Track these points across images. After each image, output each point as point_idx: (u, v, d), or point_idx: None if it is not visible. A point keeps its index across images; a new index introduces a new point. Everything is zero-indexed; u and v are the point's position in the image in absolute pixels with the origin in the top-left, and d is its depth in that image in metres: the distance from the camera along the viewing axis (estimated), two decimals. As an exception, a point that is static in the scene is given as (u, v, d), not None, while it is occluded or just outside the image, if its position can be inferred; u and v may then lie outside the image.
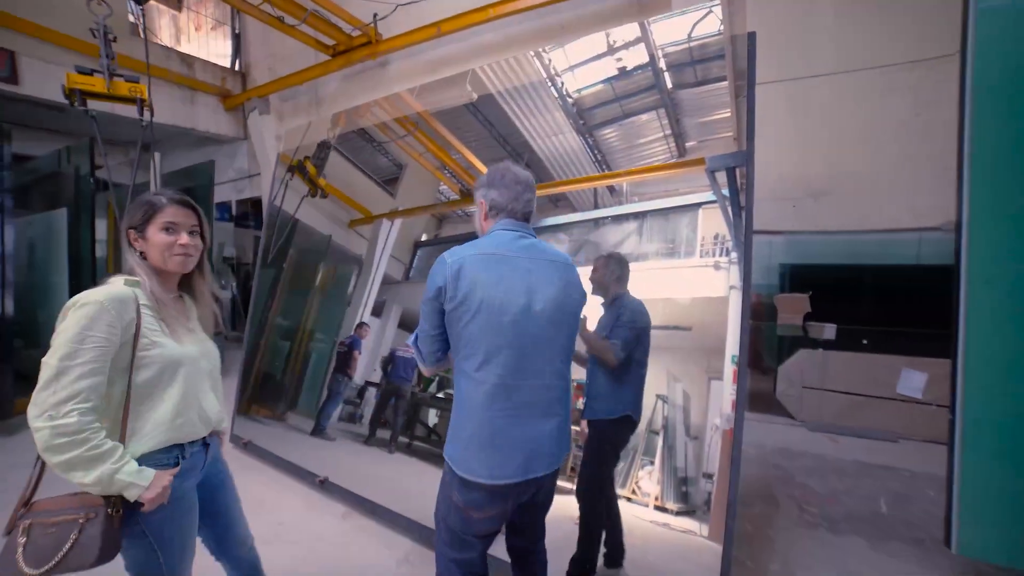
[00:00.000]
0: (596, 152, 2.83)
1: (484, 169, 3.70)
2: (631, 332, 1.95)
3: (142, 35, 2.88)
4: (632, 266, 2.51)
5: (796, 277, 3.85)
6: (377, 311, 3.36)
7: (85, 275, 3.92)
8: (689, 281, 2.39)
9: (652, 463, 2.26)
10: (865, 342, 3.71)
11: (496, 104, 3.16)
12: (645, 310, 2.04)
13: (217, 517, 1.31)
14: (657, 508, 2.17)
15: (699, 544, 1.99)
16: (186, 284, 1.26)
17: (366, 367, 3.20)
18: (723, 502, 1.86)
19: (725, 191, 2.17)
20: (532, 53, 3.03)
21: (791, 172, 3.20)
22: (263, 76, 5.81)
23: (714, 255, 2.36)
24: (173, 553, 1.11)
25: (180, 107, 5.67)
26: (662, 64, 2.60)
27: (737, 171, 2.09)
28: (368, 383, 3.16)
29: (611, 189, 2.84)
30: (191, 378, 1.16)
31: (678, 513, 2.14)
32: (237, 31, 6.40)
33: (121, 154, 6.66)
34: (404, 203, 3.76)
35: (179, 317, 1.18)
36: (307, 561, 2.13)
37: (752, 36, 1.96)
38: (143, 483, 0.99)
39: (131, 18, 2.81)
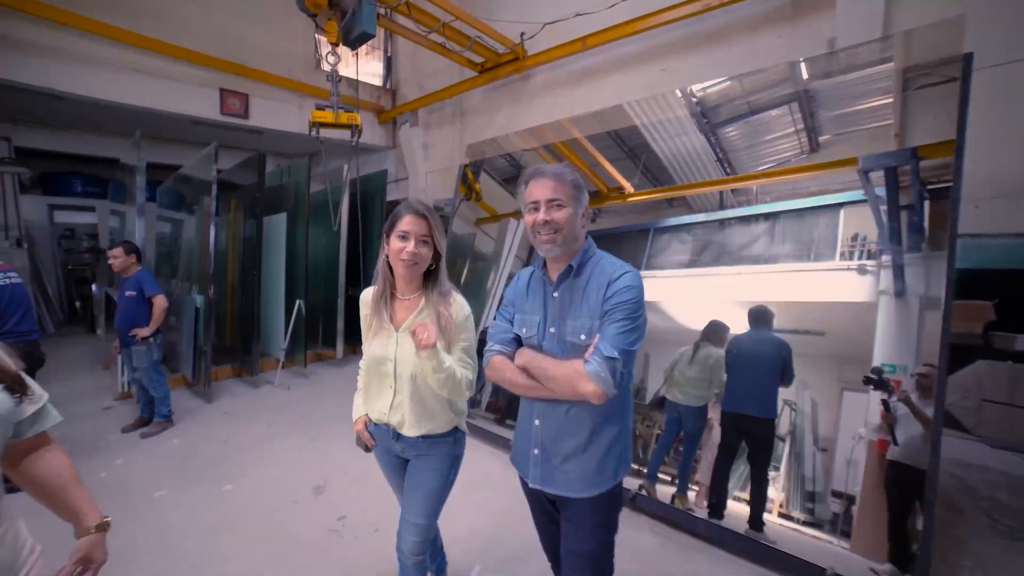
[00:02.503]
0: (718, 151, 2.89)
1: (613, 169, 3.99)
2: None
3: (328, 69, 3.83)
4: (762, 268, 2.57)
5: (971, 283, 3.40)
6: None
7: (298, 267, 5.15)
8: (825, 285, 2.32)
9: (777, 468, 2.26)
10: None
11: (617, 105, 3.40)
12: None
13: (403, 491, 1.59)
14: (781, 515, 2.18)
15: (842, 555, 1.96)
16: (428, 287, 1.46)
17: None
18: (870, 513, 1.91)
19: (878, 190, 2.12)
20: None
21: (979, 171, 2.87)
22: (412, 92, 6.81)
23: (853, 258, 2.33)
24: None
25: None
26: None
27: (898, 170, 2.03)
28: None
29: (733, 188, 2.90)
30: (369, 374, 1.51)
31: (805, 523, 2.12)
32: (389, 54, 7.59)
33: (286, 161, 8.31)
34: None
35: (382, 319, 1.44)
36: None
37: (969, 57, 1.94)
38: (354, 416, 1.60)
39: (327, 62, 3.73)
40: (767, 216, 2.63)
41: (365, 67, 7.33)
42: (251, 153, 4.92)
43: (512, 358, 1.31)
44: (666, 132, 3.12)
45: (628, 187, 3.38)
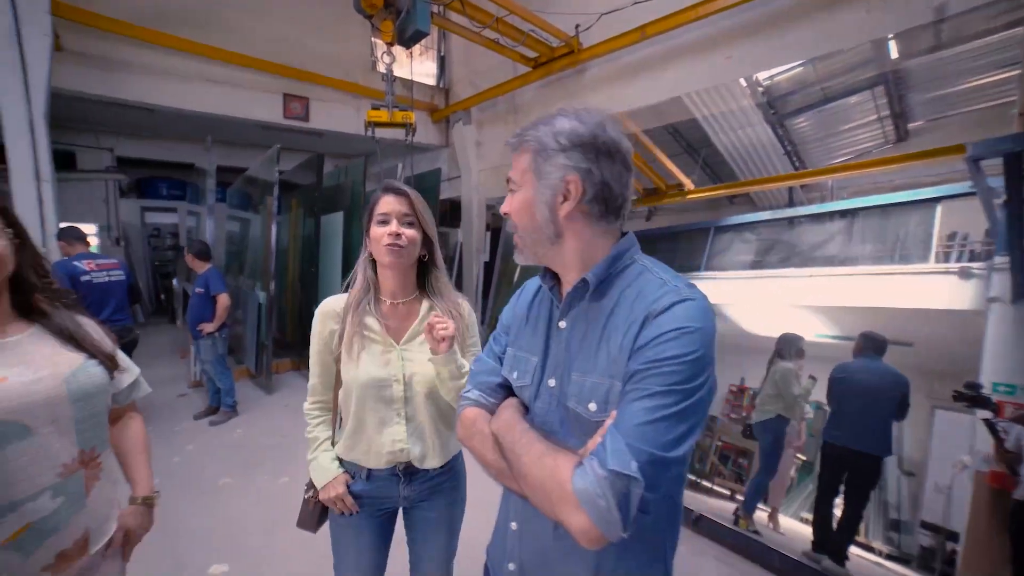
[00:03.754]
0: (786, 143, 2.67)
1: (673, 167, 3.80)
2: None
3: (384, 72, 3.99)
4: (837, 270, 2.36)
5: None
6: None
7: (354, 264, 5.37)
8: (914, 290, 2.09)
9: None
10: None
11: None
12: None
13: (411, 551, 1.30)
14: (859, 544, 1.98)
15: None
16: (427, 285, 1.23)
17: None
18: (979, 554, 1.68)
19: (991, 181, 1.85)
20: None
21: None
22: (465, 91, 6.91)
23: (951, 259, 2.08)
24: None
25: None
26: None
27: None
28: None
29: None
30: (361, 407, 1.15)
31: (888, 556, 1.91)
32: (442, 53, 7.74)
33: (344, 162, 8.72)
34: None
35: (371, 332, 1.15)
36: None
37: None
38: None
39: (382, 62, 3.86)
40: (843, 213, 2.42)
41: (419, 67, 7.52)
42: (311, 154, 5.19)
43: (492, 413, 0.84)
44: (728, 124, 2.96)
45: (688, 183, 3.23)
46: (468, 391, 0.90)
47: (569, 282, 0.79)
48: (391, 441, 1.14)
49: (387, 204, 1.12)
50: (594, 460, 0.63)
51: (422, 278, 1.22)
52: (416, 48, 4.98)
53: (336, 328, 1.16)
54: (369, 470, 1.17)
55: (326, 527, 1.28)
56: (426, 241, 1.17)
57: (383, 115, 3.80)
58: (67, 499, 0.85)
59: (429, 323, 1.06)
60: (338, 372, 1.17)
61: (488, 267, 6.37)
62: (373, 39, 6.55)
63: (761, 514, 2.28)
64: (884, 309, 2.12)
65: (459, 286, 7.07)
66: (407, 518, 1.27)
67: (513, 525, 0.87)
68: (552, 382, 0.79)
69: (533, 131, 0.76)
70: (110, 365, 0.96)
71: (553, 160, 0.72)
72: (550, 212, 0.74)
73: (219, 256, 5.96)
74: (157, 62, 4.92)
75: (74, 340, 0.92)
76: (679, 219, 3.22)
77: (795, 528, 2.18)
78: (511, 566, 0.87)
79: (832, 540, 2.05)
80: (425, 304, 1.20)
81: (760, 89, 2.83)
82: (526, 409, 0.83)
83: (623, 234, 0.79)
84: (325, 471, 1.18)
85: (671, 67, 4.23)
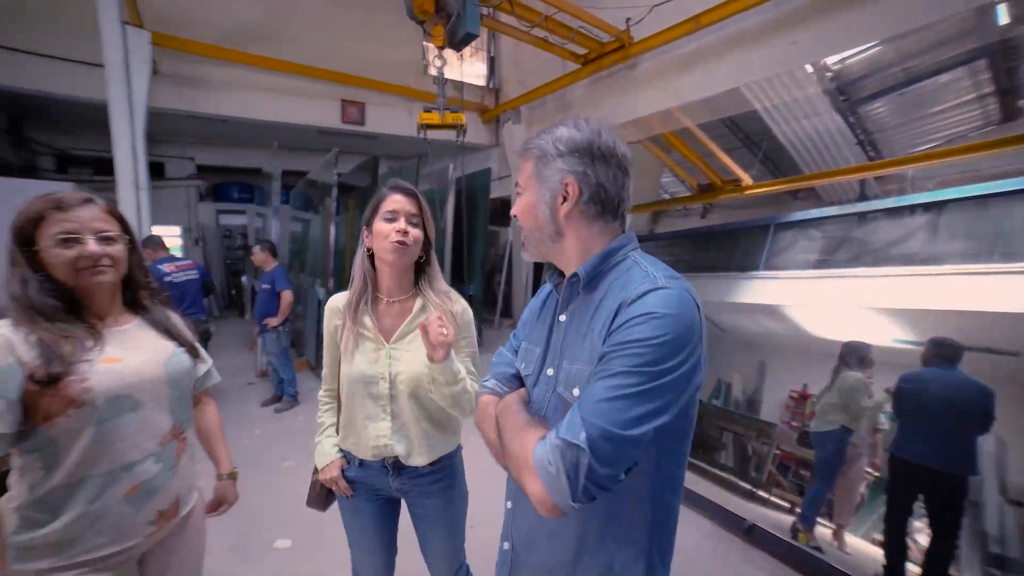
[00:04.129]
0: (858, 132, 2.45)
1: (730, 161, 3.61)
2: None
3: (436, 75, 4.12)
4: (919, 270, 2.16)
5: None
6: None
7: None
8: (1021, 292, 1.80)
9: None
10: None
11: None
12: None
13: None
14: None
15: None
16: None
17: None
18: None
19: None
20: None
21: None
22: (514, 90, 6.95)
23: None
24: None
25: (455, 125, 7.38)
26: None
27: None
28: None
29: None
30: (351, 399, 1.21)
31: None
32: (492, 54, 7.83)
33: (398, 163, 9.03)
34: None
35: (363, 328, 1.19)
36: None
37: None
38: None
39: (435, 64, 3.97)
40: (927, 207, 2.17)
41: (469, 68, 7.65)
42: (367, 157, 5.44)
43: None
44: (791, 115, 2.77)
45: (746, 178, 3.08)
46: (486, 380, 0.97)
47: (568, 275, 0.83)
48: (375, 436, 1.19)
49: (396, 202, 1.16)
50: (553, 432, 0.68)
51: (418, 277, 1.25)
52: (466, 50, 5.08)
53: (340, 323, 1.22)
54: (360, 460, 1.23)
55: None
56: (425, 243, 1.21)
57: (435, 117, 3.91)
58: (164, 465, 1.00)
59: (424, 323, 1.04)
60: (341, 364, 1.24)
61: (538, 266, 6.38)
62: (425, 43, 6.75)
63: (825, 530, 2.14)
64: (980, 313, 1.88)
65: (508, 284, 7.13)
66: (408, 508, 1.31)
67: (508, 504, 0.93)
68: (550, 371, 0.84)
69: (536, 140, 0.82)
70: (193, 354, 1.12)
71: (552, 165, 0.78)
72: (551, 212, 0.80)
73: (283, 255, 6.37)
74: (231, 77, 5.36)
75: (167, 331, 1.08)
76: (736, 216, 3.06)
77: (865, 549, 2.02)
78: (506, 545, 0.93)
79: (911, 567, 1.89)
80: (418, 302, 1.22)
81: (829, 75, 2.63)
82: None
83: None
84: (325, 455, 1.26)
85: (728, 57, 4.04)
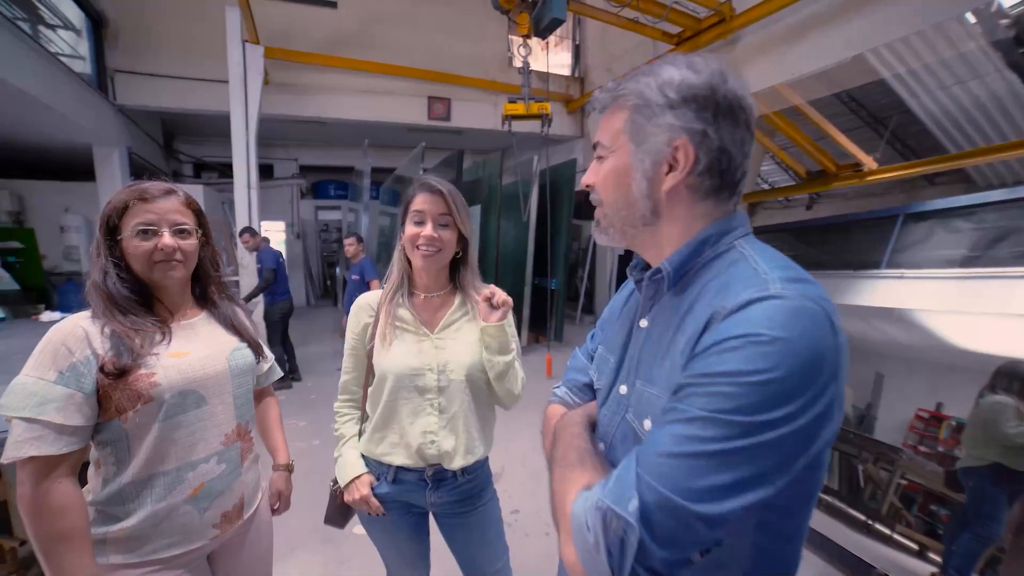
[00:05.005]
0: None
1: (846, 140, 3.19)
2: None
3: (520, 65, 4.16)
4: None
5: None
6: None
7: (490, 256, 5.74)
8: None
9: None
10: None
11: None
12: None
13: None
14: None
15: None
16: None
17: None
18: None
19: None
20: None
21: None
22: (600, 78, 6.78)
23: None
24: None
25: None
26: None
27: None
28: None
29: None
30: (393, 398, 1.13)
31: None
32: (577, 42, 7.69)
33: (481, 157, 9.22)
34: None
35: (403, 322, 1.15)
36: None
37: None
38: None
39: (518, 54, 4.00)
40: None
41: (554, 59, 7.61)
42: (451, 152, 5.63)
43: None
44: (936, 81, 2.36)
45: (869, 162, 2.71)
46: (558, 387, 0.86)
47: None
48: (422, 432, 1.12)
49: (422, 203, 1.09)
50: (600, 484, 0.52)
51: (454, 272, 1.20)
52: (551, 39, 5.05)
53: (369, 321, 1.17)
54: (396, 471, 1.14)
55: None
56: (460, 239, 1.15)
57: (519, 107, 3.94)
58: (228, 465, 1.00)
59: (487, 293, 1.07)
60: (370, 366, 1.17)
61: (623, 260, 6.20)
62: (509, 36, 6.81)
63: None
64: None
65: (592, 279, 7.03)
66: (441, 528, 1.25)
67: None
68: (623, 388, 0.67)
69: (632, 83, 0.60)
70: (257, 351, 1.12)
71: (658, 119, 0.57)
72: (648, 185, 0.60)
73: (371, 247, 6.82)
74: (329, 82, 5.87)
75: (233, 326, 1.08)
76: (848, 207, 2.71)
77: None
78: None
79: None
80: (459, 297, 1.18)
81: (1004, 21, 2.17)
82: None
83: None
84: (351, 467, 1.17)
85: (850, 19, 3.56)
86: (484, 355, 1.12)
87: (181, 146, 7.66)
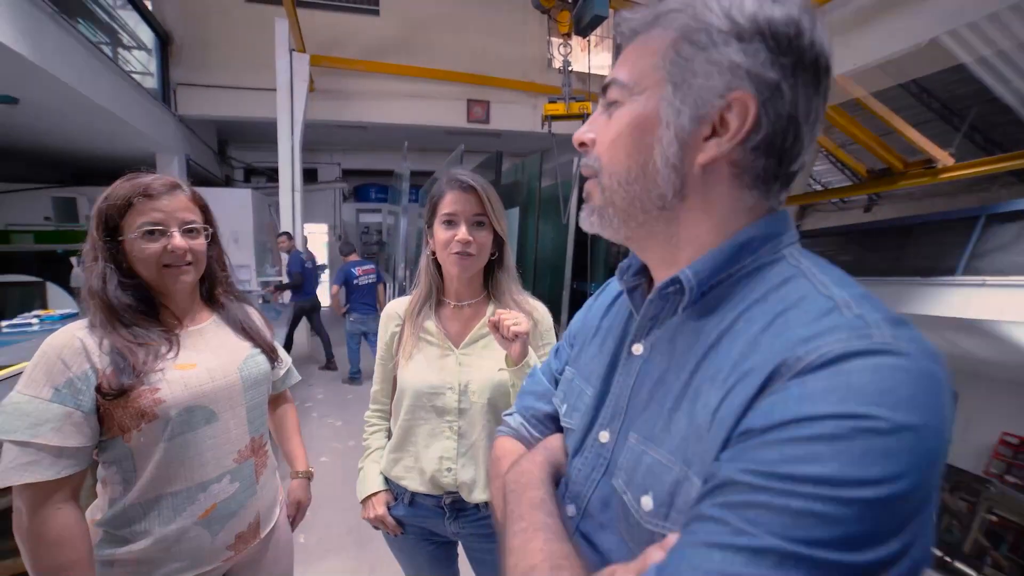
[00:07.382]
0: None
1: (916, 135, 2.95)
2: None
3: (561, 65, 4.13)
4: None
5: None
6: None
7: (528, 259, 5.76)
8: None
9: None
10: None
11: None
12: None
13: None
14: None
15: None
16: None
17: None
18: None
19: None
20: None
21: None
22: (643, 75, 6.70)
23: None
24: None
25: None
26: None
27: None
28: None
29: None
30: (412, 415, 1.04)
31: None
32: (618, 41, 7.61)
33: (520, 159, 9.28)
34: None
35: (427, 334, 1.06)
36: None
37: None
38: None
39: (558, 54, 3.99)
40: None
41: (595, 59, 7.56)
42: (490, 154, 5.69)
43: (529, 448, 0.61)
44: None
45: (944, 158, 2.51)
46: (510, 413, 0.67)
47: (662, 281, 0.46)
48: (438, 458, 1.01)
49: (454, 202, 0.98)
50: None
51: (488, 278, 1.08)
52: (591, 39, 5.00)
53: (396, 331, 1.08)
54: (412, 495, 1.05)
55: None
56: (497, 240, 1.03)
57: (560, 108, 3.93)
58: (242, 484, 0.92)
59: (493, 320, 0.91)
60: (394, 379, 1.10)
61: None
62: (550, 37, 6.81)
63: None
64: None
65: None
66: (466, 551, 1.15)
67: None
68: (604, 436, 0.49)
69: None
70: (272, 356, 1.04)
71: (716, 52, 0.39)
72: (679, 150, 0.41)
73: (410, 250, 6.98)
74: (371, 87, 6.09)
75: (244, 331, 1.00)
76: (912, 209, 2.53)
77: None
78: None
79: None
80: (492, 307, 1.06)
81: None
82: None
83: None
84: (370, 483, 1.10)
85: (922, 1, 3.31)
86: (512, 390, 0.98)
87: (234, 152, 8.13)
